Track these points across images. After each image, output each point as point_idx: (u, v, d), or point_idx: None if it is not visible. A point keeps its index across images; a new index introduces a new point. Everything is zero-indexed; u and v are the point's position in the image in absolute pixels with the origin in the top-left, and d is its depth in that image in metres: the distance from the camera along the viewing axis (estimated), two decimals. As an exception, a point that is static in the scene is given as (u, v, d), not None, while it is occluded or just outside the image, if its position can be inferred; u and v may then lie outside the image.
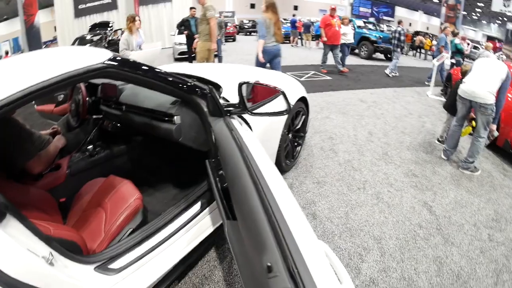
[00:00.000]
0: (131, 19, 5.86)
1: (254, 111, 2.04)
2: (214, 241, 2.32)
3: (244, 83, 2.00)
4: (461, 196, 3.53)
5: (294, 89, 3.49)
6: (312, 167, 3.84)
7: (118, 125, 2.73)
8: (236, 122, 2.00)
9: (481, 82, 3.78)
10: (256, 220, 1.18)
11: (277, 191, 1.29)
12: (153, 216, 1.85)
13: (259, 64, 5.54)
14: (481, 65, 4.03)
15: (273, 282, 0.96)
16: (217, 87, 2.38)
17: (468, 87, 3.87)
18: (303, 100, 3.57)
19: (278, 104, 2.08)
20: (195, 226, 1.92)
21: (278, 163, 3.25)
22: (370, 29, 16.14)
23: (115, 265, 1.51)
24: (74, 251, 1.41)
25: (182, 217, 1.86)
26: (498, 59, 5.28)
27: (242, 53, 13.82)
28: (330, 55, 9.67)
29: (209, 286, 2.15)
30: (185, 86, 1.91)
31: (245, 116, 2.21)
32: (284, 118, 3.08)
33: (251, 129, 2.21)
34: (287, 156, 3.49)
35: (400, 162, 4.17)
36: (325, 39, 9.30)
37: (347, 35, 9.83)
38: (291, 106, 2.10)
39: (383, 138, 4.95)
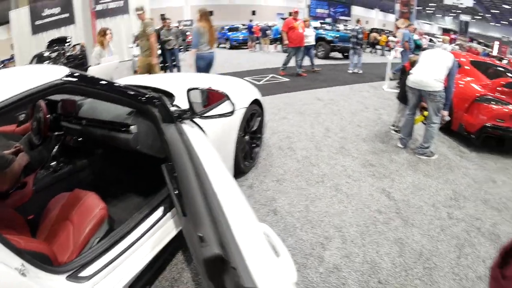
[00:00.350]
0: (102, 33, 5.82)
1: (203, 115, 2.15)
2: (180, 244, 2.36)
3: (192, 89, 2.11)
4: (419, 180, 3.71)
5: (247, 93, 3.60)
6: (271, 166, 3.93)
7: (80, 139, 2.75)
8: (187, 126, 2.10)
9: (427, 71, 4.03)
10: (196, 207, 1.33)
11: (218, 182, 1.43)
12: (119, 225, 1.88)
13: (199, 71, 5.75)
14: (428, 55, 4.30)
15: (205, 250, 1.14)
16: (170, 95, 2.49)
17: (415, 77, 4.13)
18: (257, 102, 3.67)
19: (226, 107, 2.21)
20: (159, 230, 1.97)
21: (236, 164, 3.33)
22: (326, 29, 16.77)
23: (85, 272, 1.53)
24: (45, 263, 1.43)
25: (146, 222, 1.91)
26: (452, 49, 5.60)
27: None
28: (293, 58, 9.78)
29: (178, 287, 2.22)
30: (140, 97, 1.98)
31: (199, 121, 2.32)
32: (238, 120, 3.18)
33: (204, 133, 2.32)
34: (245, 157, 3.57)
35: (358, 154, 4.34)
36: (286, 42, 9.46)
37: (308, 37, 9.98)
38: (235, 107, 2.25)
39: (340, 133, 5.11)
